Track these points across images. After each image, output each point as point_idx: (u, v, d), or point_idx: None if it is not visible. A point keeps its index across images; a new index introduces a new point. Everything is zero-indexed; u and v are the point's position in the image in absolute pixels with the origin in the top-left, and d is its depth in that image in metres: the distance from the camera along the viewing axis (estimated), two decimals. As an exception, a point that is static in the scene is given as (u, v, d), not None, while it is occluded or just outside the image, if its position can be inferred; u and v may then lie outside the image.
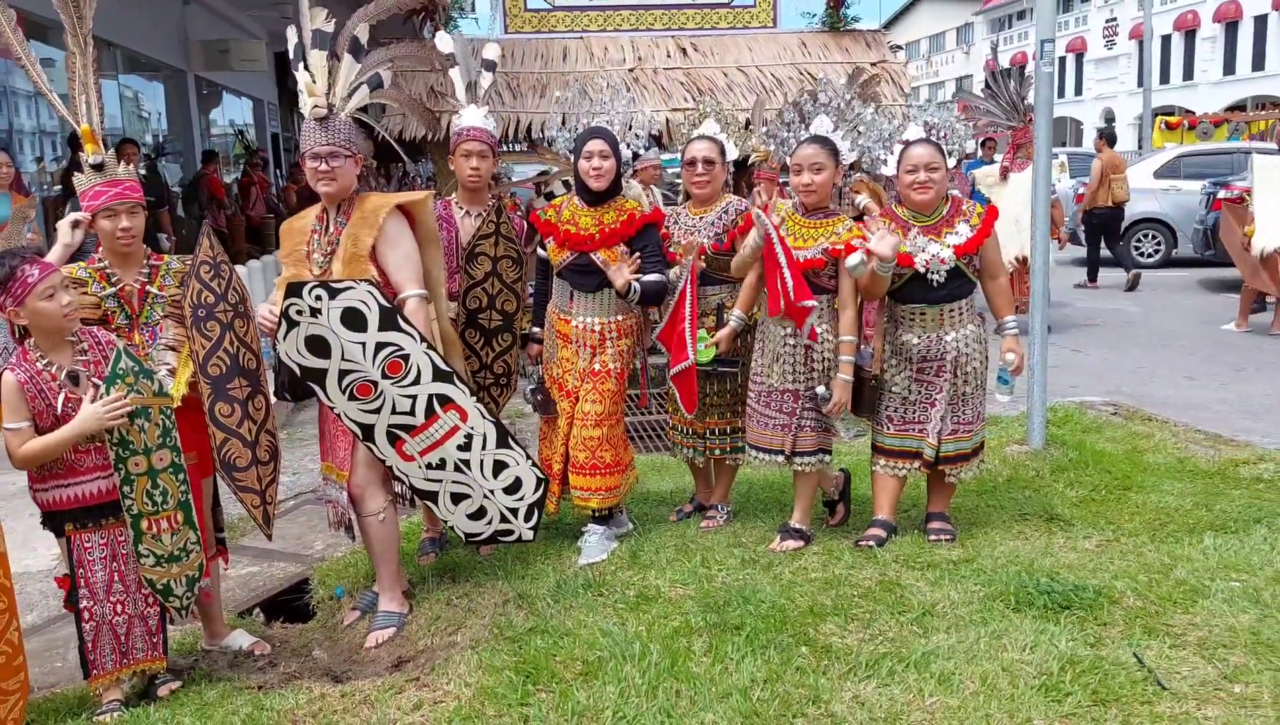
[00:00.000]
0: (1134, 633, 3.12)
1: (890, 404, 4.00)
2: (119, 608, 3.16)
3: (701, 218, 4.19)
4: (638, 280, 3.92)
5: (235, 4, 13.80)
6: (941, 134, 4.03)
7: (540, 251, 4.20)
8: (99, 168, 3.32)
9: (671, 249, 4.11)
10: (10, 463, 2.98)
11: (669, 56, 9.53)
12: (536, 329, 4.32)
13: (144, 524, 3.07)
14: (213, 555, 3.61)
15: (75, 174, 3.37)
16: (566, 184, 7.29)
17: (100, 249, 3.38)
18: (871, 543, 3.92)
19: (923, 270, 3.80)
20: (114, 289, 3.33)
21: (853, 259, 3.71)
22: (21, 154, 9.04)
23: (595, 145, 3.96)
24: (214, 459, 3.38)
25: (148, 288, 3.38)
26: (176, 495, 3.13)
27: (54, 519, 3.13)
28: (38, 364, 3.01)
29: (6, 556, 2.81)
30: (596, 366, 4.03)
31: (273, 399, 3.59)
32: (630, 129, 4.42)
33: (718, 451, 4.31)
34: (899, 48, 11.17)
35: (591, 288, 4.00)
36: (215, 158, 12.93)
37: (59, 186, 9.42)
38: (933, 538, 3.98)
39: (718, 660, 2.98)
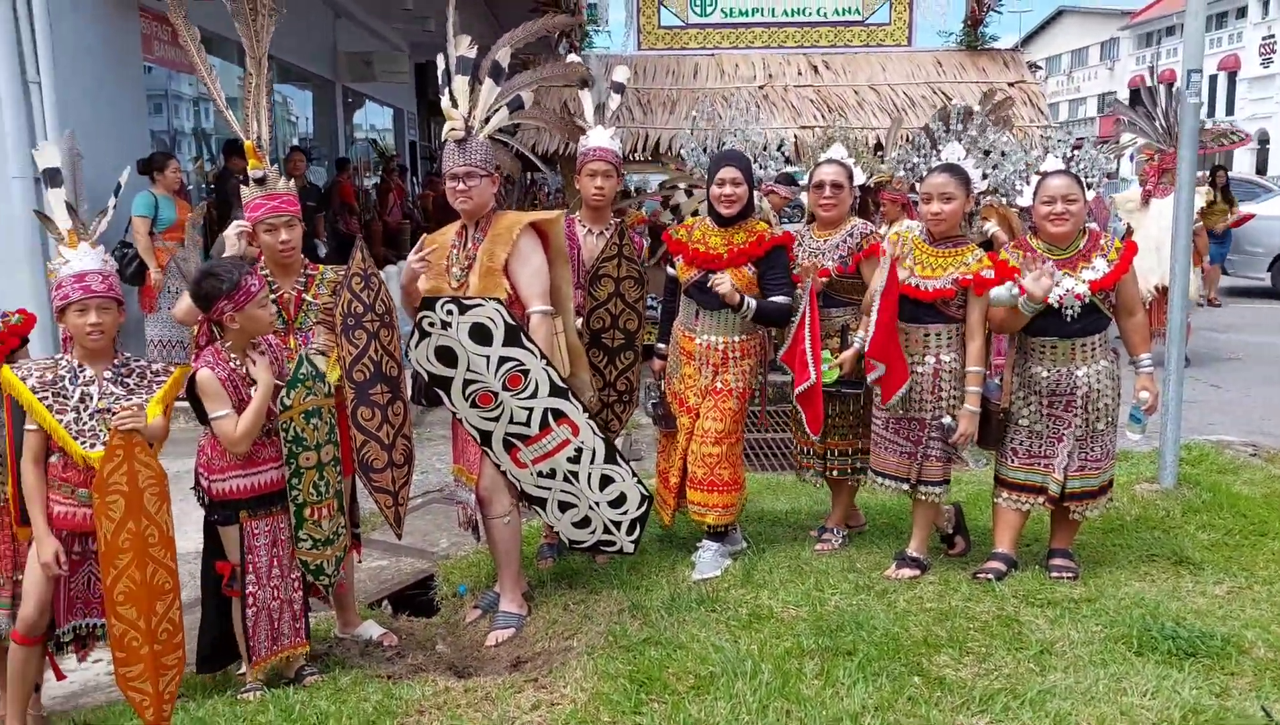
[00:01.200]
0: (1263, 685, 3.01)
1: (1017, 437, 3.95)
2: (275, 592, 3.38)
3: (826, 241, 4.23)
4: (754, 298, 3.99)
5: (381, 18, 14.40)
6: (1080, 166, 3.96)
7: (669, 268, 4.30)
8: (261, 181, 3.57)
9: (795, 271, 4.16)
10: (227, 446, 3.23)
11: (800, 74, 9.53)
12: (661, 345, 4.42)
13: (307, 512, 3.34)
14: (349, 547, 3.83)
15: (241, 186, 3.62)
16: (687, 191, 7.40)
17: (261, 257, 3.63)
18: (990, 576, 3.88)
19: (1056, 305, 3.75)
20: (274, 296, 3.57)
21: (1000, 290, 3.70)
22: (180, 154, 9.63)
23: (728, 173, 4.03)
24: (354, 459, 3.59)
25: (303, 296, 3.61)
26: (335, 485, 3.41)
27: (228, 507, 3.35)
28: (231, 363, 3.26)
29: (174, 541, 3.05)
30: (719, 385, 4.11)
31: (409, 404, 3.79)
32: (765, 150, 4.47)
33: (836, 472, 4.34)
34: (1038, 66, 10.90)
35: (716, 306, 4.07)
36: (348, 165, 13.48)
37: (211, 187, 9.99)
38: (1054, 574, 3.91)
39: (829, 684, 3.01)
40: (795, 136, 8.37)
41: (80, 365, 3.15)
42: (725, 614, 3.60)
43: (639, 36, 9.66)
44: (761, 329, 4.17)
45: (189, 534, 4.88)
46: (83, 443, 3.04)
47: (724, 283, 3.94)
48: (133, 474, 2.90)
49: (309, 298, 3.63)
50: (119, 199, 3.51)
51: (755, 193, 4.26)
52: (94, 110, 7.14)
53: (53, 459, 3.11)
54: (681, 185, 7.50)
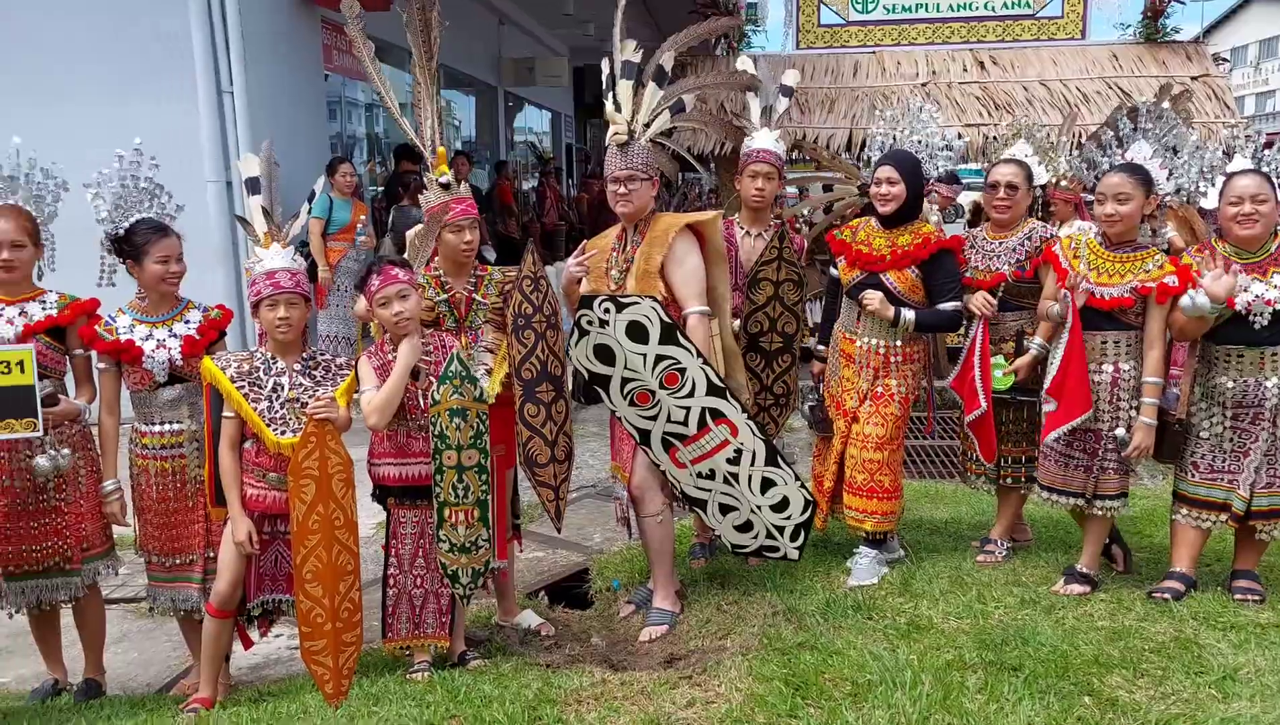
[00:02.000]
0: None
1: (1198, 450, 3.74)
2: (418, 581, 3.52)
3: (1001, 243, 4.10)
4: (914, 308, 3.90)
5: (543, 23, 14.77)
6: (1272, 165, 3.71)
7: (831, 270, 4.26)
8: (446, 187, 3.73)
9: (969, 274, 4.05)
10: (365, 421, 3.37)
11: (965, 70, 9.25)
12: (821, 347, 4.38)
13: (446, 512, 3.39)
14: (510, 538, 3.95)
15: (422, 191, 3.79)
16: (861, 191, 7.27)
17: (435, 257, 3.79)
18: (1167, 595, 3.68)
19: (1244, 311, 3.53)
20: (446, 295, 3.73)
21: (1186, 299, 3.51)
22: (353, 157, 10.13)
23: (883, 172, 3.97)
24: (519, 453, 3.70)
25: (473, 296, 3.75)
26: (476, 493, 3.38)
27: (381, 492, 3.55)
28: (388, 355, 3.43)
29: (357, 525, 3.23)
30: (879, 389, 4.04)
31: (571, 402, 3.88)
32: (939, 148, 4.35)
33: (1009, 479, 4.21)
34: (1224, 59, 10.23)
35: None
36: (505, 168, 13.86)
37: (381, 190, 10.46)
38: (1238, 597, 3.68)
39: (993, 699, 2.92)
40: (961, 135, 8.14)
41: (273, 357, 3.36)
42: (882, 622, 3.55)
43: (798, 35, 9.58)
44: (927, 334, 4.09)
45: (361, 520, 5.18)
46: (274, 430, 3.25)
47: (873, 300, 3.89)
48: (324, 460, 3.08)
49: (479, 298, 3.76)
50: (312, 205, 3.73)
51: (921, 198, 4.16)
52: (279, 118, 7.59)
53: (247, 445, 3.34)
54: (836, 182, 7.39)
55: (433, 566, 3.49)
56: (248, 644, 3.61)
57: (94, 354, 3.54)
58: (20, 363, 3.09)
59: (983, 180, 4.28)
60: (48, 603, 3.62)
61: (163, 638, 4.43)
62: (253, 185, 3.52)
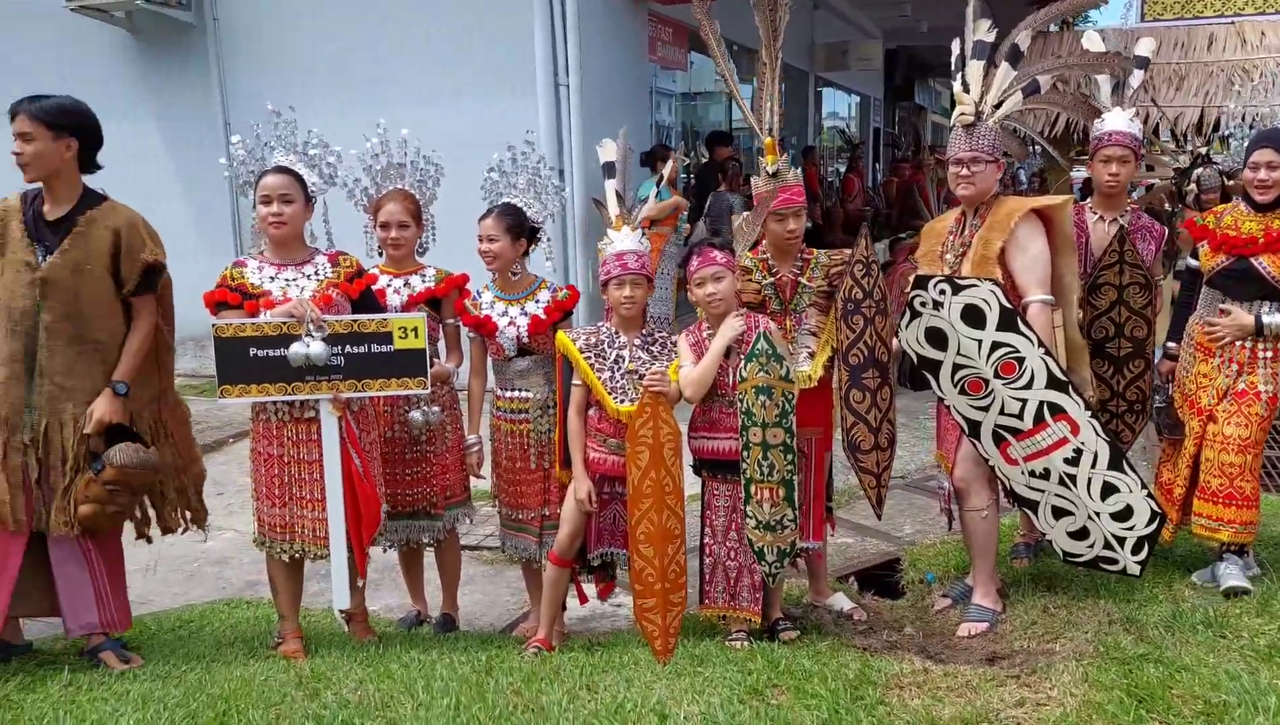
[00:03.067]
0: None
1: None
2: (732, 554, 3.63)
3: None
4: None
5: (858, 6, 14.55)
6: None
7: (1188, 261, 3.95)
8: (774, 175, 3.81)
9: None
10: (684, 397, 3.53)
11: (1344, 40, 8.18)
12: (1171, 344, 4.07)
13: (752, 488, 3.44)
14: (825, 520, 4.00)
15: (752, 177, 3.89)
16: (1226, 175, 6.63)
17: (763, 242, 3.88)
18: None
19: None
20: (772, 278, 3.81)
21: None
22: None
23: (1263, 155, 3.61)
24: (842, 438, 3.73)
25: (799, 280, 3.81)
26: (782, 472, 3.40)
27: (698, 464, 3.70)
28: (703, 334, 3.57)
29: (684, 492, 3.40)
30: (1243, 386, 3.70)
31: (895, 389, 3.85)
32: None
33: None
34: None
35: (1246, 296, 3.68)
36: (813, 154, 13.77)
37: (694, 178, 10.76)
38: None
39: (1377, 739, 2.63)
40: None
41: (616, 332, 3.60)
42: (1238, 642, 3.26)
43: (1143, 7, 8.86)
44: None
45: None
46: (615, 398, 3.49)
47: (1227, 328, 3.57)
48: (657, 429, 3.28)
49: (804, 282, 3.81)
50: (659, 190, 3.94)
51: None
52: (607, 108, 8.02)
53: (590, 412, 3.60)
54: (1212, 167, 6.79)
55: (744, 541, 3.59)
56: (583, 599, 3.90)
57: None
58: (415, 328, 3.50)
59: None
60: (415, 542, 4.09)
61: (502, 584, 4.88)
62: (609, 170, 3.77)
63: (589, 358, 3.54)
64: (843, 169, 15.62)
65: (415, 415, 3.82)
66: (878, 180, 16.49)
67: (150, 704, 2.99)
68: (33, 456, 3.33)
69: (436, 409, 3.87)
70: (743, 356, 3.45)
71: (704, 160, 10.45)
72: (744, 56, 12.38)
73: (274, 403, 3.53)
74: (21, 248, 3.34)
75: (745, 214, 4.12)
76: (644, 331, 3.62)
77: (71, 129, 3.34)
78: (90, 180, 3.49)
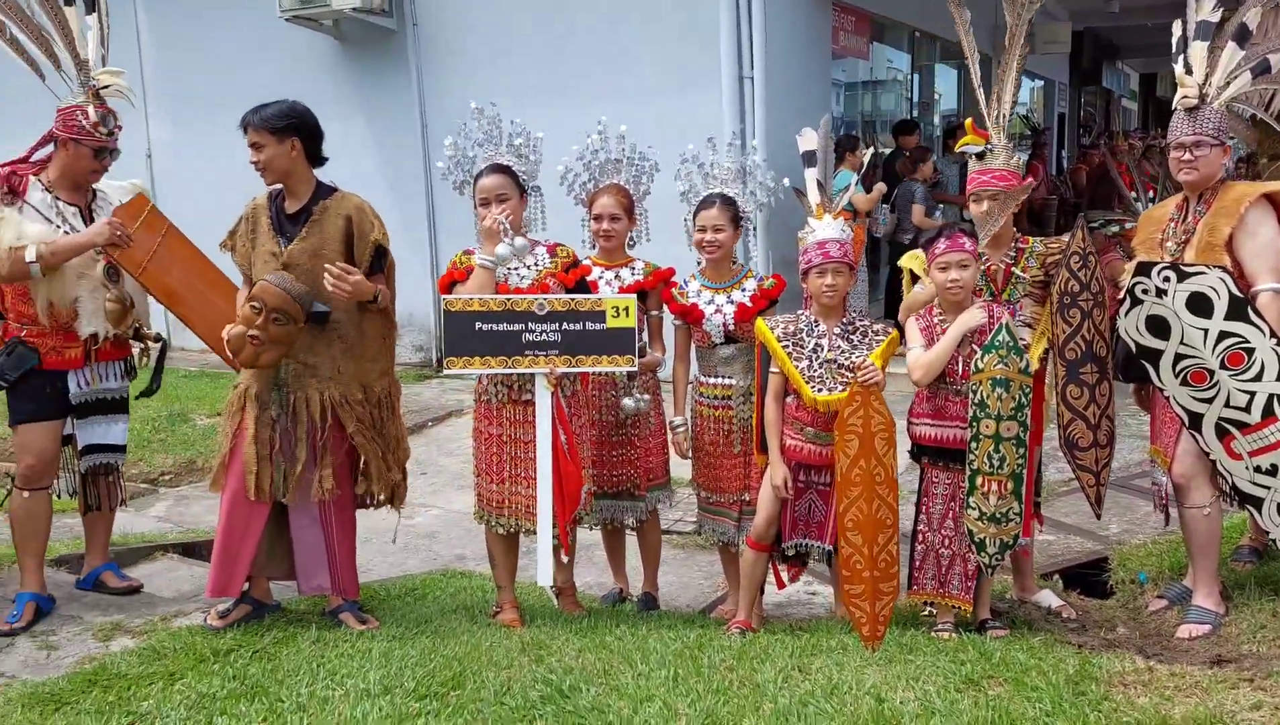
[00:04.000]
0: None
1: None
2: (946, 542, 3.62)
3: None
4: None
5: (1046, -13, 13.94)
6: None
7: None
8: (980, 156, 3.77)
9: None
10: (911, 379, 3.57)
11: None
12: None
13: (978, 480, 3.42)
14: (1033, 515, 3.92)
15: (969, 165, 3.85)
16: None
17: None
18: None
19: None
20: (983, 266, 3.77)
21: None
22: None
23: None
24: (1059, 435, 3.64)
25: (1012, 268, 3.75)
26: (1012, 465, 3.38)
27: (917, 450, 3.69)
28: (935, 319, 3.56)
29: (897, 483, 3.42)
30: None
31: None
32: None
33: None
34: None
35: None
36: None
37: (878, 167, 10.60)
38: None
39: None
40: None
41: (815, 320, 3.63)
42: None
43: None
44: None
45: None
46: (812, 387, 3.52)
47: None
48: (867, 419, 3.31)
49: (1018, 271, 3.75)
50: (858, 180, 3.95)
51: None
52: (791, 99, 8.02)
53: (788, 399, 3.65)
54: None
55: (961, 530, 3.55)
56: (780, 585, 3.96)
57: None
58: (626, 308, 3.66)
59: None
60: (617, 522, 4.25)
61: (694, 567, 4.99)
62: (809, 158, 3.81)
63: (787, 346, 3.58)
64: (1025, 156, 15.04)
65: (627, 402, 3.96)
66: (1063, 167, 15.79)
67: (391, 661, 3.24)
68: (279, 430, 3.63)
69: (647, 396, 4.01)
70: (976, 347, 3.43)
71: (887, 150, 10.31)
72: (924, 42, 12.14)
73: (495, 386, 3.74)
74: (268, 239, 3.65)
75: (991, 204, 3.95)
76: (843, 320, 3.63)
77: (293, 130, 3.60)
78: (319, 173, 3.76)
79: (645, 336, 4.07)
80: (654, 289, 4.05)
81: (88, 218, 3.88)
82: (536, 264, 3.80)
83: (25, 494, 3.83)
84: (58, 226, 3.77)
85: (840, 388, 3.48)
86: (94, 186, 3.97)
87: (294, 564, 3.80)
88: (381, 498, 3.83)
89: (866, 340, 3.61)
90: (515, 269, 3.79)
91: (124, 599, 4.00)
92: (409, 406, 7.83)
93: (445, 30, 8.78)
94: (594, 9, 8.21)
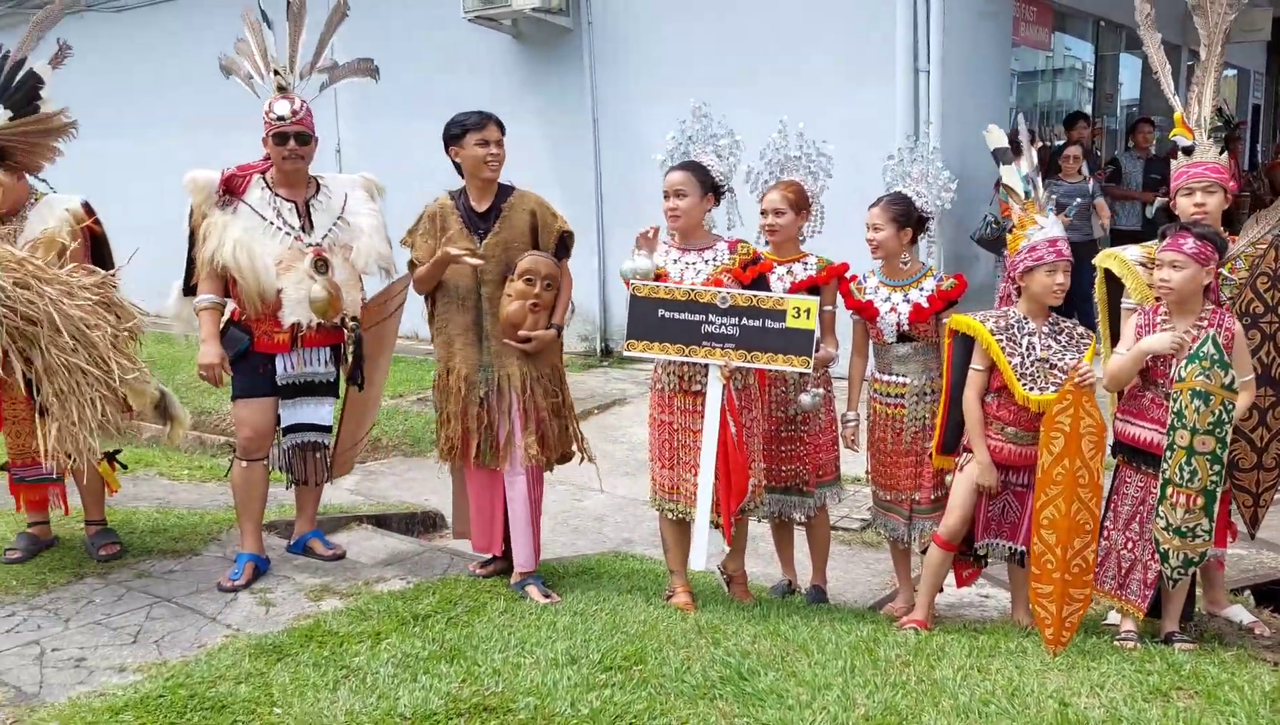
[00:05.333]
0: None
1: None
2: (1129, 545, 3.53)
3: None
4: None
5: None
6: None
7: None
8: (1188, 151, 3.65)
9: None
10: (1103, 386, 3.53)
11: None
12: None
13: (1168, 491, 3.31)
14: (1226, 527, 3.77)
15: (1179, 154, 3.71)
16: None
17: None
18: None
19: None
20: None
21: None
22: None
23: None
24: None
25: (1219, 270, 3.60)
26: (1204, 481, 3.25)
27: (1115, 446, 3.59)
28: (1156, 319, 3.46)
29: (1101, 488, 3.35)
30: None
31: None
32: None
33: None
34: None
35: None
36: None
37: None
38: None
39: None
40: None
41: (1025, 318, 3.58)
42: None
43: None
44: None
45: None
46: (1024, 385, 3.48)
47: None
48: (1076, 420, 3.25)
49: (1224, 272, 3.61)
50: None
51: None
52: (967, 92, 7.87)
53: (988, 398, 3.62)
54: None
55: (1146, 535, 3.47)
56: (960, 582, 3.94)
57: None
58: (808, 310, 3.69)
59: None
60: (786, 516, 4.31)
61: (860, 563, 5.01)
62: (1002, 155, 3.75)
63: (1000, 341, 3.53)
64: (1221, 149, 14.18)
65: (804, 398, 4.01)
66: (1258, 163, 14.81)
67: (575, 634, 3.40)
68: (486, 406, 3.91)
69: (820, 391, 4.05)
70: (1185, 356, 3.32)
71: (1060, 142, 9.94)
72: (1109, 32, 11.61)
73: (667, 375, 3.86)
74: (461, 237, 3.91)
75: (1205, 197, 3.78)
76: (1049, 319, 3.59)
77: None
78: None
79: (818, 331, 4.11)
80: (827, 284, 4.08)
81: (304, 213, 4.18)
82: (715, 259, 3.90)
83: (244, 464, 4.19)
84: (270, 222, 4.10)
85: (1051, 388, 3.44)
86: (319, 180, 4.28)
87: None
88: (570, 453, 4.17)
89: (1074, 342, 3.55)
90: (692, 264, 3.89)
91: (329, 564, 4.32)
92: (576, 394, 8.06)
93: (619, 28, 8.99)
94: (765, 6, 8.22)
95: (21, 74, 4.03)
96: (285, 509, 4.75)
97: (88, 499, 4.37)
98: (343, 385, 4.38)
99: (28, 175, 4.20)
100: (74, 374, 3.73)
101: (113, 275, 4.10)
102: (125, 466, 4.62)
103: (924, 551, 3.94)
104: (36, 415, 3.90)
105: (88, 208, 4.21)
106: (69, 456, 3.76)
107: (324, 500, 4.72)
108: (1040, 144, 11.23)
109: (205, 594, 3.97)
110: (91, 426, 3.75)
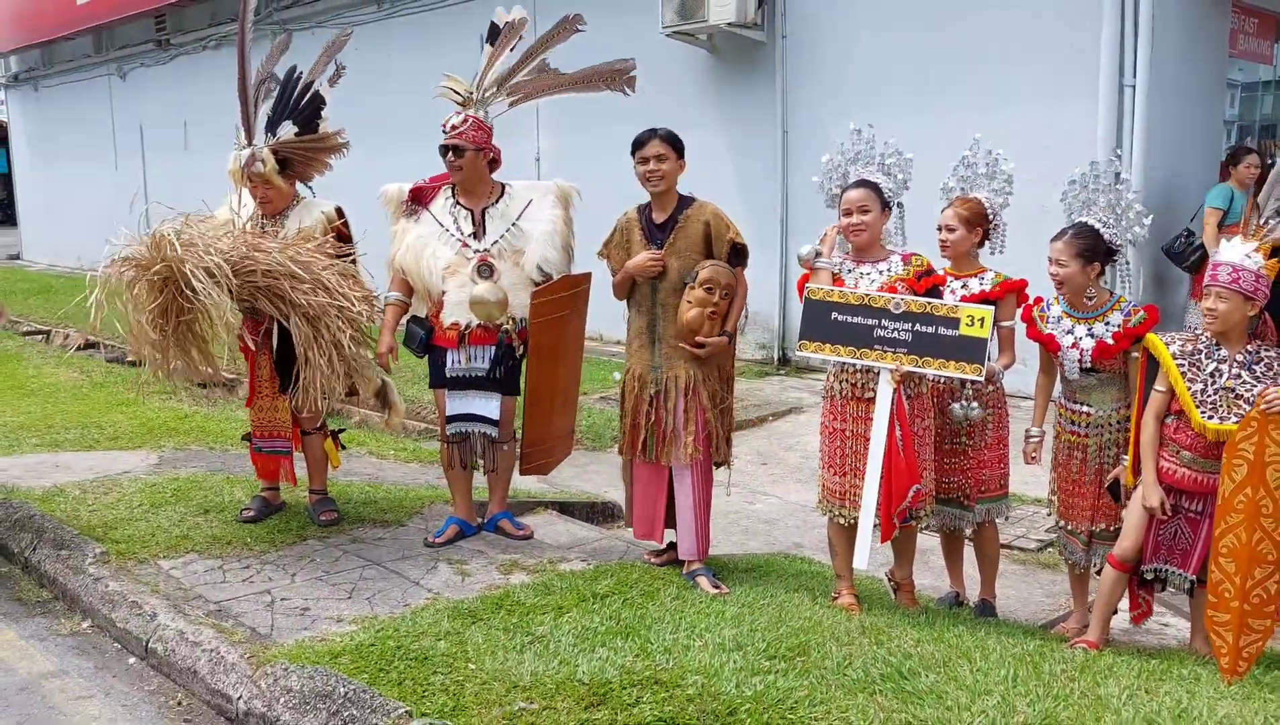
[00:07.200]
0: None
1: None
2: None
3: None
4: None
5: None
6: None
7: None
8: None
9: None
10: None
11: None
12: None
13: None
14: None
15: None
16: None
17: None
18: None
19: None
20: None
21: None
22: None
23: None
24: None
25: None
26: None
27: None
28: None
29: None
30: None
31: None
32: None
33: None
34: None
35: None
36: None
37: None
38: None
39: None
40: None
41: (1216, 343, 3.49)
42: None
43: None
44: None
45: None
46: (1202, 412, 3.42)
47: None
48: (1261, 447, 3.18)
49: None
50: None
51: None
52: (1176, 108, 7.55)
53: (1168, 420, 3.57)
54: None
55: None
56: (1134, 619, 3.89)
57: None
58: (981, 320, 3.72)
59: None
60: (949, 528, 4.35)
61: (1035, 583, 4.96)
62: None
63: (1182, 365, 3.49)
64: None
65: (955, 408, 4.03)
66: None
67: (743, 623, 3.59)
68: (654, 405, 4.17)
69: (976, 405, 4.04)
70: None
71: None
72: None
73: (841, 383, 3.97)
74: (642, 247, 4.21)
75: None
76: (1248, 347, 3.47)
77: (681, 151, 4.21)
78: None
79: (995, 347, 4.13)
80: (1003, 300, 4.10)
81: (478, 221, 4.57)
82: (889, 271, 3.99)
83: (447, 444, 4.62)
84: (446, 229, 4.53)
85: (1234, 419, 3.35)
86: (506, 187, 4.66)
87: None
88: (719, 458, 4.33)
89: (1272, 373, 3.41)
90: (867, 274, 3.99)
91: (517, 543, 4.68)
92: (751, 400, 8.26)
93: (813, 42, 9.10)
94: (963, 20, 8.14)
95: (309, 95, 4.61)
96: (480, 491, 5.15)
97: (313, 469, 4.91)
98: (522, 383, 4.69)
99: (297, 182, 4.80)
100: (317, 312, 4.24)
101: (354, 248, 4.67)
102: (344, 447, 5.15)
103: (1099, 572, 3.91)
104: (276, 393, 4.47)
105: (339, 212, 4.77)
106: (324, 396, 4.31)
107: (513, 487, 5.10)
108: (1268, 160, 10.58)
109: (409, 560, 4.40)
110: (339, 371, 4.29)
